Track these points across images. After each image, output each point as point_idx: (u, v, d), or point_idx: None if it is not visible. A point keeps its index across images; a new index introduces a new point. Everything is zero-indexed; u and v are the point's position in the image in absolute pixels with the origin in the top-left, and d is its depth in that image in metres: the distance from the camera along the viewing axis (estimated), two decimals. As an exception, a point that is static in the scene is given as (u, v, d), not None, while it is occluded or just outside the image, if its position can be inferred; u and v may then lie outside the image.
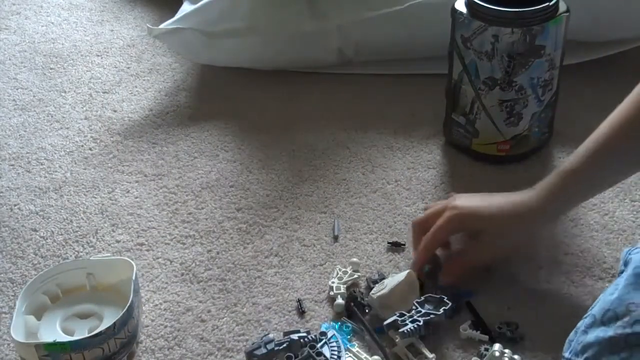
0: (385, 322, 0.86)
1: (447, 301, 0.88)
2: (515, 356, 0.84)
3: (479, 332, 0.87)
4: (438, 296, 0.88)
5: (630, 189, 1.10)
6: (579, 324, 0.74)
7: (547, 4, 1.04)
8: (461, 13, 1.08)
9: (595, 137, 0.85)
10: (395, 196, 1.10)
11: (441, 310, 0.86)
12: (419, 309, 0.87)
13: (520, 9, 1.03)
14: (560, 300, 0.92)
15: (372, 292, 0.90)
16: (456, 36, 1.09)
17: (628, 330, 0.65)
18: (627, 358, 0.63)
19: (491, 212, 0.90)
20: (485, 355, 0.84)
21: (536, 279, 0.95)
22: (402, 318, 0.85)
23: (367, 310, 0.90)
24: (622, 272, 0.76)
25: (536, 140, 1.15)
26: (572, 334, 0.74)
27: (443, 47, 1.13)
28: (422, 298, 0.88)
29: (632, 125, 0.82)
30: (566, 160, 0.89)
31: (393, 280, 0.90)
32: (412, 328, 0.84)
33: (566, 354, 0.73)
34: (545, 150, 1.18)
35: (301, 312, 0.91)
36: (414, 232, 0.96)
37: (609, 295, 0.71)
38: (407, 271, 0.90)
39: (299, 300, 0.93)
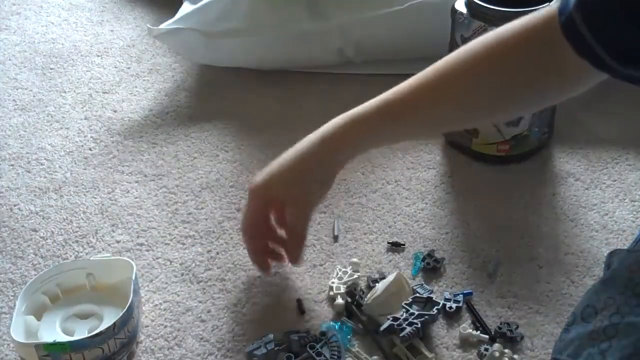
0: (382, 328, 0.86)
1: (436, 300, 0.88)
2: (515, 356, 0.84)
3: (479, 332, 0.88)
4: (425, 296, 0.89)
5: (630, 189, 1.10)
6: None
7: (547, 4, 1.04)
8: (461, 13, 1.08)
9: (393, 90, 0.87)
10: (395, 196, 1.10)
11: (434, 310, 0.87)
12: (411, 310, 0.87)
13: (520, 9, 1.03)
14: (560, 300, 0.92)
15: (366, 299, 0.90)
16: (456, 36, 1.09)
17: (606, 323, 0.66)
18: (607, 348, 0.64)
19: (281, 172, 0.87)
20: (485, 355, 0.84)
21: (536, 279, 0.95)
22: (397, 322, 0.85)
23: (363, 318, 0.89)
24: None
25: (536, 140, 1.15)
26: (560, 334, 0.75)
27: (443, 47, 1.13)
28: (410, 299, 0.88)
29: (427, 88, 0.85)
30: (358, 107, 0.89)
31: (383, 283, 0.90)
32: (411, 331, 0.84)
33: (553, 354, 0.74)
34: (545, 150, 1.18)
35: (301, 312, 0.91)
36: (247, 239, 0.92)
37: (589, 294, 0.72)
38: (396, 272, 0.91)
39: (299, 300, 0.93)
